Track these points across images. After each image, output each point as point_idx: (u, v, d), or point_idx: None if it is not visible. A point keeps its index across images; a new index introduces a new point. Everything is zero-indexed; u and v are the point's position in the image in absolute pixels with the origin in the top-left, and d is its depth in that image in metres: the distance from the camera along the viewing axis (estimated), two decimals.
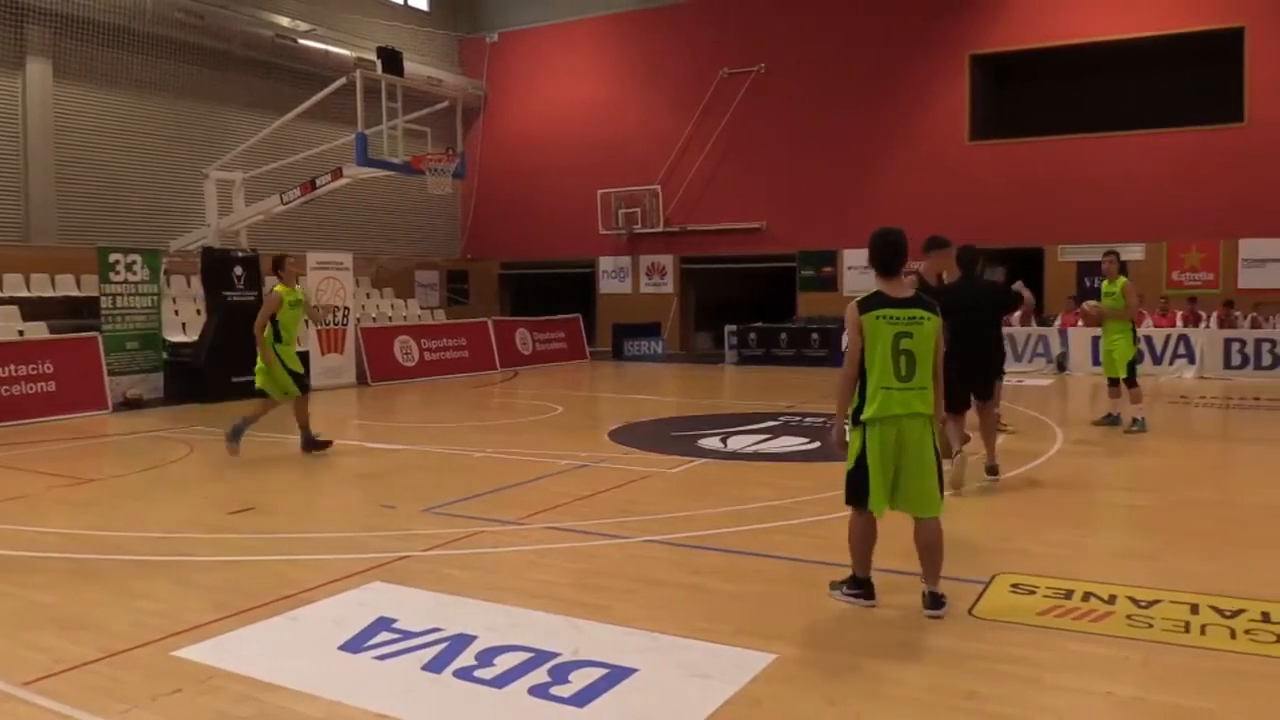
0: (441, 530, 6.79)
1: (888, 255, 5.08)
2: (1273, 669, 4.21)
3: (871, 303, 4.96)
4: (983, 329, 8.05)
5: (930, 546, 5.00)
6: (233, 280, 15.82)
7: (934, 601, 4.95)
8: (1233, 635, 4.59)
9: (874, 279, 5.13)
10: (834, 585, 5.20)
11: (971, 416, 8.10)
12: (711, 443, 10.56)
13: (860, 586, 5.09)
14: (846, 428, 5.09)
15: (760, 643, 4.54)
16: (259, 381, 10.08)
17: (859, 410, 4.95)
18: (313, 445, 10.27)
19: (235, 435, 9.91)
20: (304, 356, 11.45)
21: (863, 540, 5.07)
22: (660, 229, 24.74)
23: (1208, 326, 18.29)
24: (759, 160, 23.61)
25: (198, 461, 10.06)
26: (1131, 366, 11.00)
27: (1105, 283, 11.21)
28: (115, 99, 19.04)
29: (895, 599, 5.23)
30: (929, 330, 4.96)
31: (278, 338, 10.06)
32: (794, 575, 5.69)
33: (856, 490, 4.98)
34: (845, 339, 5.04)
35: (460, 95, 19.92)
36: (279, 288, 10.26)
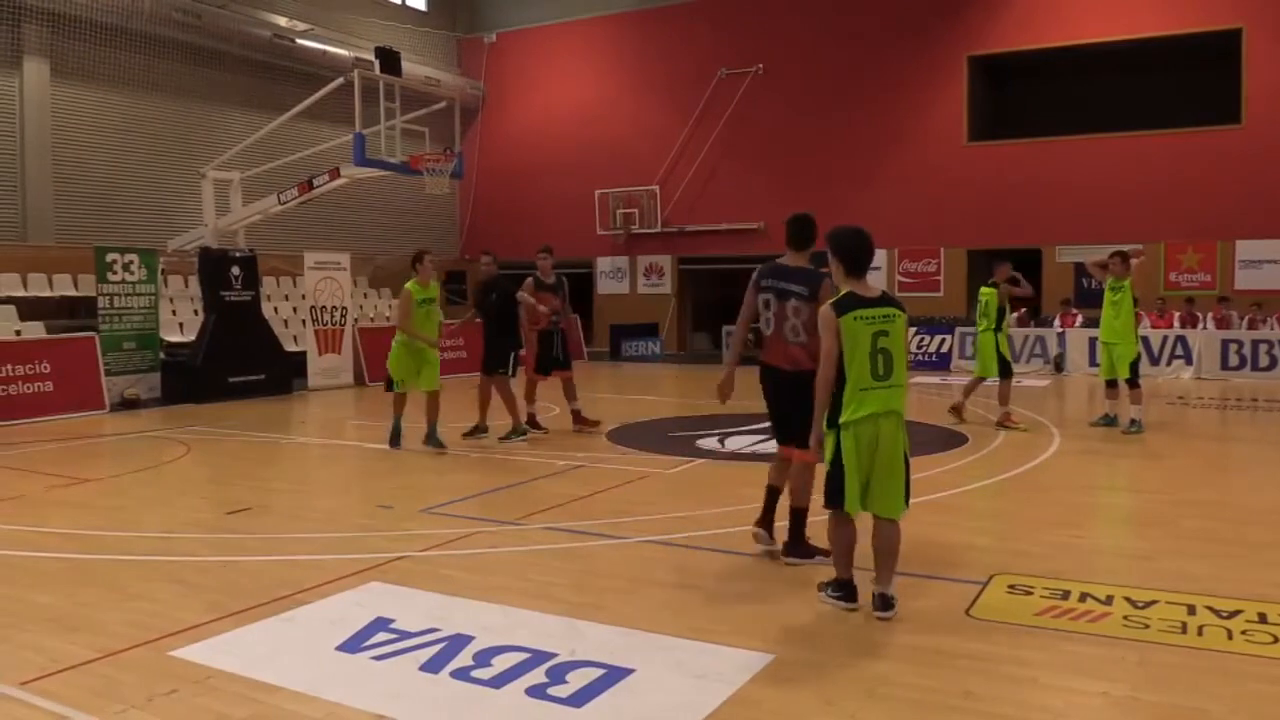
0: (439, 531, 6.79)
1: (861, 255, 5.05)
2: (1269, 670, 4.22)
3: (847, 304, 4.90)
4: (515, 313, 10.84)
5: (889, 549, 4.97)
6: (230, 280, 15.81)
7: (884, 603, 4.93)
8: (1229, 636, 4.60)
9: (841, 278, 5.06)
10: (822, 586, 5.18)
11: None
12: (709, 443, 10.56)
13: (843, 589, 5.05)
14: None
15: (758, 643, 4.55)
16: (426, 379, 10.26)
17: (835, 413, 4.91)
18: (397, 440, 10.39)
19: (430, 439, 10.23)
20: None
21: (842, 542, 5.04)
22: (658, 229, 24.75)
23: (1205, 328, 18.31)
24: (757, 161, 23.62)
25: (195, 461, 10.05)
26: (1134, 366, 11.02)
27: (1112, 280, 11.21)
28: (113, 98, 19.02)
29: None
30: (900, 327, 4.96)
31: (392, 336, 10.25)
32: (791, 576, 5.69)
33: (835, 491, 4.92)
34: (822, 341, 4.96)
35: (458, 95, 19.89)
36: (410, 284, 10.13)
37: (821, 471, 5.08)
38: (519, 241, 26.40)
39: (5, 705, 3.99)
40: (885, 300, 4.98)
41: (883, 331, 4.87)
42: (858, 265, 5.04)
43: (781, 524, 5.97)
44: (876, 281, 21.82)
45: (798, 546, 5.91)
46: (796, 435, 5.65)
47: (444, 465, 9.64)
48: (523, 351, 11.16)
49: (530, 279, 11.19)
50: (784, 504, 5.96)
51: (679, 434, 11.29)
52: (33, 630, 4.87)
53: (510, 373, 10.92)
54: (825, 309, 4.96)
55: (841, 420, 4.87)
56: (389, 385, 10.33)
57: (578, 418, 11.47)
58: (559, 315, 11.24)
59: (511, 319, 10.95)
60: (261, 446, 11.09)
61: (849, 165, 22.41)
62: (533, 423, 11.30)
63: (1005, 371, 11.61)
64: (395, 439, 10.37)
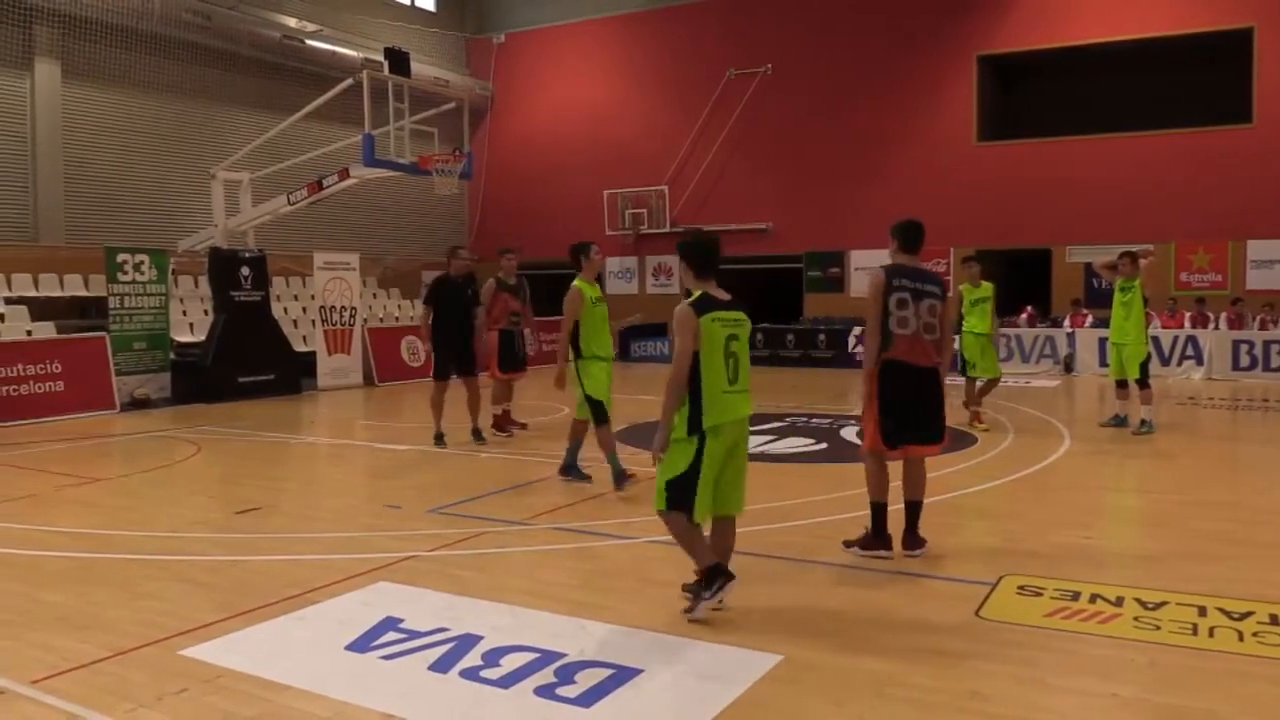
0: (447, 530, 6.80)
1: (709, 257, 5.11)
2: None
3: (705, 305, 4.90)
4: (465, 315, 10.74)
5: (730, 546, 5.13)
6: (239, 280, 15.86)
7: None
8: (1241, 638, 4.58)
9: (692, 279, 5.11)
10: (695, 598, 4.93)
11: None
12: None
13: (721, 572, 4.91)
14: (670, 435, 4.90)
15: (766, 644, 4.54)
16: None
17: (696, 418, 4.81)
18: (623, 479, 7.99)
19: (568, 470, 8.55)
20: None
21: (699, 538, 4.98)
22: (667, 229, 24.73)
23: (1216, 328, 18.24)
24: (766, 161, 23.60)
25: (205, 461, 10.08)
26: (1144, 367, 10.99)
27: (1122, 280, 11.18)
28: (123, 99, 19.08)
29: (901, 600, 5.23)
30: (747, 333, 5.03)
31: (577, 350, 8.11)
32: (800, 576, 5.69)
33: (689, 496, 4.82)
34: (675, 342, 4.89)
35: (467, 96, 19.88)
36: (579, 281, 8.10)
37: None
38: (527, 242, 26.46)
39: (17, 703, 4.01)
40: (736, 304, 5.00)
41: (734, 335, 4.91)
42: (707, 267, 5.08)
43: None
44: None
45: (916, 537, 6.07)
46: (941, 430, 6.06)
47: (451, 466, 9.65)
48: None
49: (492, 280, 11.24)
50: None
51: None
52: (43, 629, 4.89)
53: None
54: (684, 309, 4.91)
55: (707, 425, 4.80)
56: (599, 415, 8.09)
57: (506, 417, 11.51)
58: (518, 316, 11.39)
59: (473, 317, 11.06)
60: (271, 446, 11.12)
61: (857, 165, 22.38)
62: (509, 421, 11.45)
63: (962, 370, 11.89)
64: (569, 470, 8.54)
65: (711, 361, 4.84)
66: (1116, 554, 6.32)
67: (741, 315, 4.99)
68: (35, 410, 12.91)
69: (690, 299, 4.97)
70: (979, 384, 11.87)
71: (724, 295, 5.01)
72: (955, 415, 11.70)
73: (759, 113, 23.58)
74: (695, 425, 4.82)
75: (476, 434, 10.76)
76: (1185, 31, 19.50)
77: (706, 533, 5.06)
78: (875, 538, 6.00)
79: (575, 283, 8.09)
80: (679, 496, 4.85)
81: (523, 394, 12.25)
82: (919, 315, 5.92)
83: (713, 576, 4.91)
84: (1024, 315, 20.08)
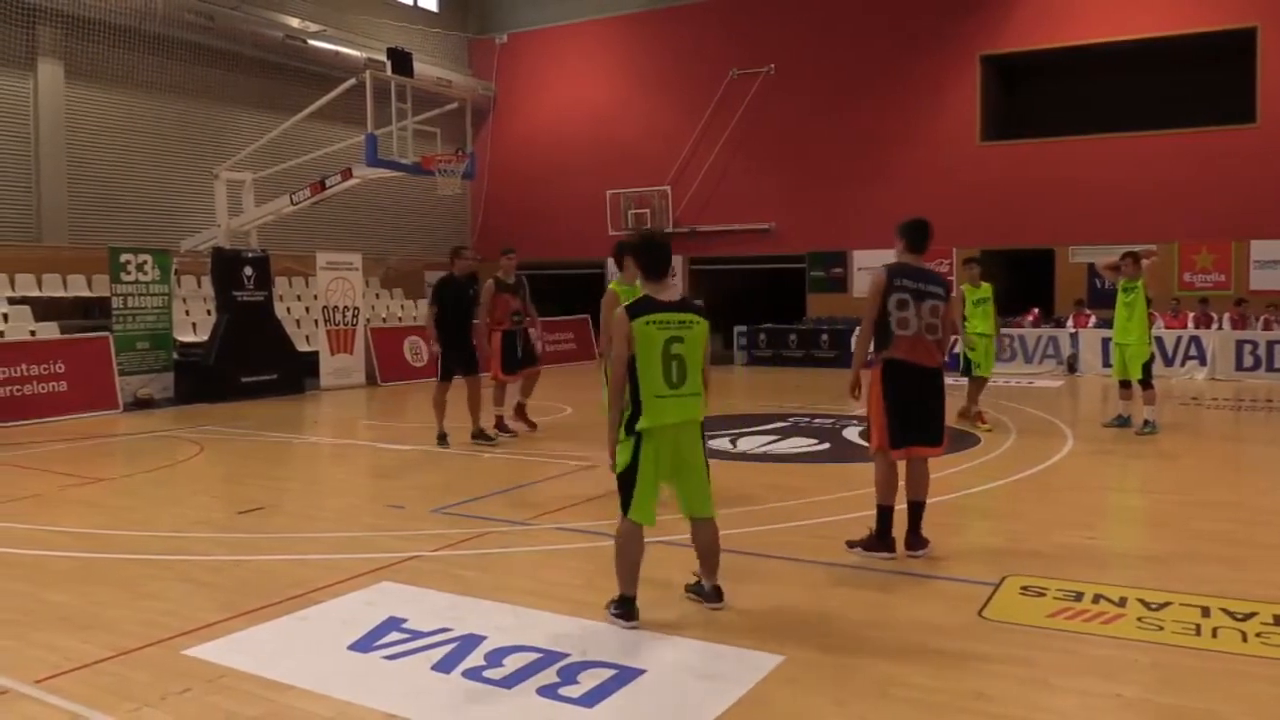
0: (450, 530, 6.81)
1: (657, 259, 4.99)
2: None
3: (640, 308, 4.82)
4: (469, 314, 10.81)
5: (711, 546, 5.07)
6: (243, 280, 15.89)
7: (717, 595, 5.07)
8: (1244, 638, 4.57)
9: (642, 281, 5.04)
10: (611, 606, 4.96)
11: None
12: (720, 444, 10.54)
13: (625, 606, 4.87)
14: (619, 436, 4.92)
15: (769, 644, 4.54)
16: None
17: (631, 419, 4.82)
18: None
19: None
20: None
21: (631, 555, 4.90)
22: (670, 230, 24.70)
23: (1219, 328, 18.22)
24: (768, 161, 23.57)
25: (208, 461, 10.09)
26: (1146, 367, 10.99)
27: (1124, 280, 11.18)
28: (126, 100, 19.09)
29: (904, 600, 5.23)
30: (699, 334, 4.90)
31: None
32: (803, 577, 5.69)
33: (624, 497, 4.91)
34: (611, 346, 4.92)
35: (470, 96, 19.89)
36: (615, 284, 7.78)
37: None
38: (530, 243, 26.46)
39: (20, 703, 4.02)
40: (683, 306, 4.90)
41: (676, 338, 4.80)
42: (654, 269, 4.96)
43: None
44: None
45: (919, 538, 6.06)
46: (942, 432, 6.07)
47: (454, 466, 9.65)
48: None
49: (490, 280, 11.20)
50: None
51: None
52: (46, 629, 4.90)
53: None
54: (619, 312, 4.86)
55: (639, 427, 4.79)
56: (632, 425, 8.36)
57: (519, 412, 11.49)
58: (520, 315, 11.30)
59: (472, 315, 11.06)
60: (274, 446, 11.13)
61: (860, 165, 22.35)
62: (500, 426, 11.22)
63: (965, 371, 11.89)
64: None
65: (646, 365, 4.77)
66: (1119, 554, 6.31)
67: (688, 316, 4.86)
68: (39, 410, 12.93)
69: (629, 302, 4.92)
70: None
71: (669, 297, 4.90)
72: (954, 417, 11.79)
73: (762, 113, 23.56)
74: (630, 426, 4.84)
75: (478, 435, 10.75)
76: (1188, 31, 19.47)
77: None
78: (879, 540, 5.99)
79: (612, 285, 7.76)
80: (622, 495, 4.92)
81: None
82: (920, 316, 5.92)
83: (622, 603, 4.90)
84: (1030, 316, 20.07)
